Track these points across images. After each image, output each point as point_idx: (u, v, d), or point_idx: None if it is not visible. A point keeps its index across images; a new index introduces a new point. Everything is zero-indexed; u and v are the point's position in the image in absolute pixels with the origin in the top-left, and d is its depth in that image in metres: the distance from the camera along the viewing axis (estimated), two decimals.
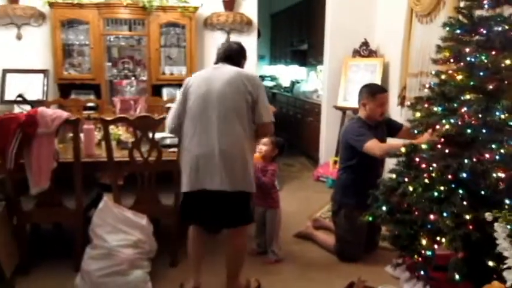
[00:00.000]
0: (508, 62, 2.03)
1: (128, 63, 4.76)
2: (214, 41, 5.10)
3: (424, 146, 2.29)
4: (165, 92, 4.84)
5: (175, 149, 2.88)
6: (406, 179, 2.34)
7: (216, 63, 2.52)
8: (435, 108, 2.33)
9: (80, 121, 2.64)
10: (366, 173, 2.88)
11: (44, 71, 4.72)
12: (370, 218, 2.44)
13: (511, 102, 1.96)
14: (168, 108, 4.22)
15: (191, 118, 2.36)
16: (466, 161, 2.05)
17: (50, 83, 4.73)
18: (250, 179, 2.36)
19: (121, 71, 4.76)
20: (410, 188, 2.25)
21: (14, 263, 2.70)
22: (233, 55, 2.51)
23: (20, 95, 3.91)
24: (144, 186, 2.77)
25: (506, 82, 2.09)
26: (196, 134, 2.33)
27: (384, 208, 2.41)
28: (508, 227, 0.85)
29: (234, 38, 5.12)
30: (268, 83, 9.13)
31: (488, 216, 0.93)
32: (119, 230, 2.56)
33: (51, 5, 4.44)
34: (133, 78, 4.75)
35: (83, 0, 4.43)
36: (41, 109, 2.57)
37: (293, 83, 8.05)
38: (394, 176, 2.46)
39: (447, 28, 2.39)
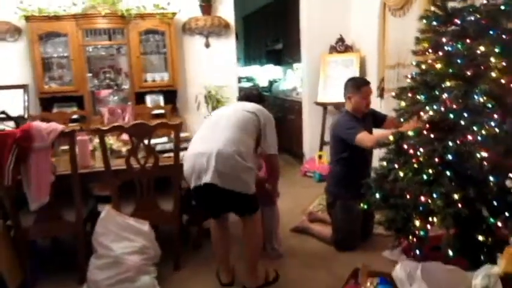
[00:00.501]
0: (482, 48, 2.15)
1: (109, 73, 4.76)
2: (194, 45, 5.18)
3: (410, 133, 2.40)
4: (149, 99, 4.86)
5: (170, 154, 2.93)
6: (396, 166, 2.44)
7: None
8: (419, 97, 2.44)
9: (75, 133, 2.65)
10: (357, 164, 3.00)
11: (23, 86, 4.68)
12: (366, 206, 2.53)
13: (488, 86, 2.09)
14: (156, 115, 4.30)
15: (201, 128, 2.69)
16: (450, 144, 2.16)
17: (31, 98, 4.69)
18: (246, 182, 2.47)
19: (103, 81, 4.75)
20: (401, 174, 2.36)
21: (18, 280, 2.70)
22: (251, 97, 2.93)
23: (2, 112, 3.89)
24: (143, 193, 2.81)
25: (482, 67, 2.21)
26: (201, 137, 2.60)
27: (378, 195, 2.50)
28: None
29: (213, 41, 5.20)
30: (245, 84, 9.21)
31: (508, 183, 1.03)
32: (122, 237, 2.60)
33: (27, 18, 4.40)
34: (115, 87, 4.74)
35: (59, 13, 4.41)
36: (36, 123, 2.58)
37: (271, 83, 8.15)
38: (385, 163, 2.56)
39: (424, 20, 2.51)
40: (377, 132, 3.21)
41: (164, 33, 4.75)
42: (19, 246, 2.77)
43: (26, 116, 4.62)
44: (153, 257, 2.69)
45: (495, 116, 1.97)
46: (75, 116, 4.31)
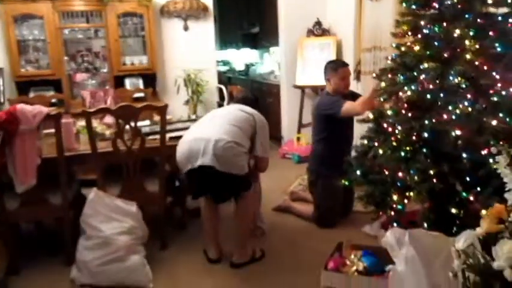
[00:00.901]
0: (458, 31, 2.26)
1: (86, 56, 4.71)
2: (172, 28, 5.16)
3: (389, 112, 2.52)
4: (128, 83, 4.84)
5: (155, 136, 2.97)
6: (376, 143, 2.56)
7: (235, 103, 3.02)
8: (398, 78, 2.55)
9: (61, 115, 2.65)
10: (338, 143, 3.12)
11: None
12: (347, 183, 2.64)
13: (463, 68, 2.20)
14: (136, 98, 4.30)
15: (197, 122, 2.87)
16: (426, 122, 2.28)
17: (6, 82, 4.59)
18: (242, 165, 2.61)
19: (80, 64, 4.70)
20: (380, 151, 2.47)
21: (4, 264, 2.70)
22: (247, 101, 3.00)
23: None
24: (129, 175, 2.84)
25: (458, 50, 2.33)
26: (197, 127, 2.76)
27: (358, 172, 2.61)
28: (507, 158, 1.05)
29: (191, 24, 5.19)
30: (221, 68, 9.20)
31: (493, 149, 1.13)
32: (111, 218, 2.64)
33: (1, 0, 4.29)
34: (94, 70, 4.70)
35: None
36: (21, 106, 2.56)
37: (248, 66, 8.18)
38: (365, 141, 2.67)
39: (403, 4, 2.60)
40: None
41: (142, 16, 4.72)
42: (5, 231, 2.76)
43: (2, 100, 4.54)
44: (142, 237, 2.74)
45: (468, 95, 2.08)
46: (53, 100, 4.26)
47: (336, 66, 3.29)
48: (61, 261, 2.83)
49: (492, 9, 2.32)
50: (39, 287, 2.62)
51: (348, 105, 3.01)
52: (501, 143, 1.89)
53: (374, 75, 2.74)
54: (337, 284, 2.14)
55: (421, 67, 2.39)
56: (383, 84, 2.65)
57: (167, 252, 2.99)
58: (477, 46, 2.09)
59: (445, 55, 2.33)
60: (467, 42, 2.11)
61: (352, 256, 2.28)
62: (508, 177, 1.12)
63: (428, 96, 2.34)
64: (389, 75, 2.62)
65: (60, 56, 4.53)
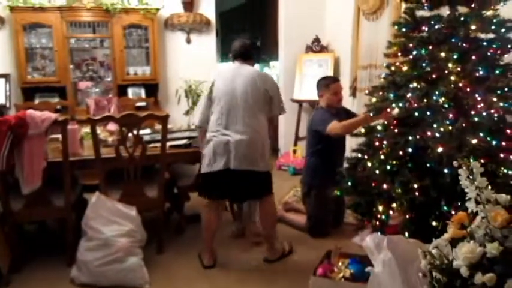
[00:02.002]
0: (443, 54, 2.41)
1: (91, 65, 4.86)
2: (175, 40, 5.32)
3: (379, 127, 2.67)
4: (131, 92, 4.99)
5: (156, 144, 3.10)
6: (366, 156, 2.70)
7: (235, 59, 2.92)
8: (388, 95, 2.70)
9: (68, 121, 2.78)
10: (331, 156, 3.26)
11: (5, 76, 4.72)
12: (338, 193, 2.77)
13: (446, 88, 2.33)
14: (139, 107, 4.44)
15: (220, 113, 2.77)
16: (410, 138, 2.43)
17: (12, 87, 4.74)
18: (267, 161, 2.83)
19: (85, 72, 4.85)
20: (369, 164, 2.61)
21: (7, 262, 2.82)
22: (248, 50, 2.95)
23: None
24: (130, 180, 2.96)
25: (444, 71, 2.47)
26: (226, 126, 2.76)
27: (349, 183, 2.75)
28: (467, 170, 1.16)
29: (194, 37, 5.36)
30: None
31: (455, 163, 1.24)
32: (112, 221, 2.75)
33: (11, 9, 4.45)
34: (98, 79, 4.85)
35: (44, 4, 4.48)
36: (30, 111, 2.70)
37: None
38: (356, 154, 2.81)
39: (396, 26, 2.76)
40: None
41: (147, 28, 4.89)
42: (8, 230, 2.88)
43: (7, 105, 4.68)
44: (140, 240, 2.85)
45: (450, 115, 2.22)
46: (57, 107, 4.40)
47: (328, 83, 3.44)
48: (62, 262, 2.93)
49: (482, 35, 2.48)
50: (40, 285, 2.72)
51: (331, 126, 3.15)
52: (482, 160, 2.04)
53: (366, 91, 2.88)
54: None
55: (410, 86, 2.54)
56: (373, 100, 2.78)
57: (164, 256, 3.10)
58: (459, 69, 2.24)
59: (431, 76, 2.47)
60: (450, 64, 2.25)
61: (340, 263, 2.40)
62: (468, 188, 1.25)
63: (416, 114, 2.48)
64: (380, 92, 2.76)
65: (66, 64, 4.69)
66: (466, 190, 1.26)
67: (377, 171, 2.53)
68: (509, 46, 2.40)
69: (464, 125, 2.14)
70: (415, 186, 2.27)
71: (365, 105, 2.82)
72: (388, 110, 2.56)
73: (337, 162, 3.12)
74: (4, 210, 2.84)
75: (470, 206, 1.25)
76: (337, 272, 2.33)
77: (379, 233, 2.46)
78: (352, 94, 4.89)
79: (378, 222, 2.44)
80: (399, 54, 2.73)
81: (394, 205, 2.33)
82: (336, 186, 2.83)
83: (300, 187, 3.64)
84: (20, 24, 4.50)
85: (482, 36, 2.50)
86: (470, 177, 1.23)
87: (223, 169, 2.73)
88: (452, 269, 1.12)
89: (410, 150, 2.35)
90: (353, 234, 3.28)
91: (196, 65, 5.33)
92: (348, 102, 4.90)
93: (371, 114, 2.77)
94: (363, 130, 2.75)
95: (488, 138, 2.21)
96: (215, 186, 2.83)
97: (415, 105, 2.40)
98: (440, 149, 2.20)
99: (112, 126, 3.49)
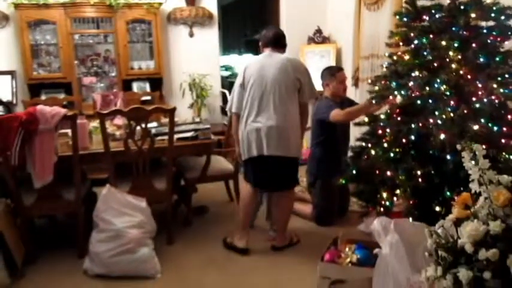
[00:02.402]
0: (443, 43, 2.44)
1: (96, 60, 4.91)
2: (178, 34, 5.36)
3: (382, 116, 2.71)
4: (135, 86, 5.03)
5: (163, 137, 3.15)
6: (370, 145, 2.74)
7: (266, 47, 3.02)
8: (390, 84, 2.73)
9: (77, 116, 2.84)
10: (335, 146, 3.31)
11: (11, 72, 4.78)
12: (344, 181, 2.82)
13: (447, 76, 2.36)
14: (144, 101, 4.49)
15: (252, 100, 2.86)
16: (413, 125, 2.47)
17: (19, 84, 4.80)
18: (299, 147, 2.97)
19: (90, 68, 4.90)
20: (373, 152, 2.65)
21: (21, 255, 2.89)
22: (281, 39, 3.04)
23: None
24: (138, 173, 3.03)
25: (446, 60, 2.50)
26: (258, 114, 2.85)
27: (354, 171, 2.79)
28: (470, 153, 1.22)
29: (197, 31, 5.39)
30: (224, 73, 9.39)
31: (458, 147, 1.29)
32: (123, 213, 2.82)
33: (16, 6, 4.49)
34: (103, 74, 4.90)
35: (48, 1, 4.52)
36: (40, 106, 2.75)
37: None
38: (360, 143, 2.86)
39: (397, 16, 2.79)
40: None
41: (150, 22, 4.93)
42: (21, 224, 2.95)
43: (14, 101, 4.74)
44: (150, 231, 2.92)
45: (451, 102, 2.26)
46: (64, 103, 4.45)
47: (333, 72, 3.50)
48: (73, 254, 3.00)
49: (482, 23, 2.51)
50: (54, 276, 2.80)
51: (334, 112, 3.21)
52: (483, 146, 2.08)
53: (369, 81, 2.92)
54: (332, 274, 2.31)
55: (412, 75, 2.58)
56: (376, 88, 2.81)
57: (174, 247, 3.17)
58: (459, 57, 2.27)
59: (433, 64, 2.50)
60: (450, 53, 2.29)
61: (347, 249, 2.45)
62: (471, 170, 1.30)
63: (419, 102, 2.52)
64: (383, 82, 2.80)
65: (71, 60, 4.73)
66: (469, 172, 1.31)
67: (381, 159, 2.57)
68: (509, 33, 2.43)
69: (465, 111, 2.18)
70: (418, 173, 2.31)
71: (368, 92, 2.86)
72: (391, 97, 2.60)
73: (342, 152, 3.18)
74: (16, 204, 2.91)
75: (474, 187, 1.30)
76: (344, 258, 2.39)
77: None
78: (355, 84, 4.92)
79: (382, 209, 2.49)
80: (401, 43, 2.76)
81: (397, 192, 2.38)
82: (341, 175, 2.88)
83: (306, 177, 3.69)
84: (24, 21, 4.55)
85: (483, 24, 2.53)
86: (473, 159, 1.28)
87: (257, 156, 2.85)
88: (457, 247, 1.18)
89: (413, 137, 2.40)
90: (358, 222, 3.32)
91: (199, 59, 5.37)
92: (350, 92, 4.93)
93: (374, 102, 2.80)
94: (366, 119, 2.79)
95: (490, 125, 2.25)
96: (253, 172, 2.96)
97: (417, 93, 2.43)
98: (442, 136, 2.24)
99: (119, 121, 3.54)
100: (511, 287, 1.07)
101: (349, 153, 2.87)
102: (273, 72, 2.85)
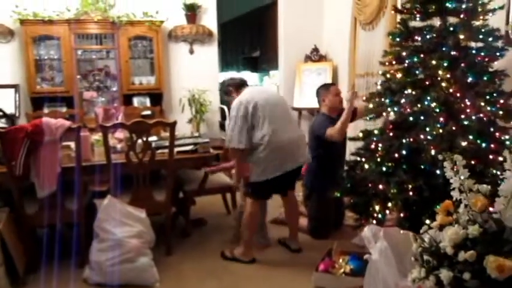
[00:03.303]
0: (434, 62, 2.57)
1: (98, 75, 5.03)
2: (179, 51, 5.51)
3: (375, 132, 2.82)
4: (136, 101, 5.15)
5: (164, 150, 3.24)
6: (364, 159, 2.85)
7: (243, 87, 3.27)
8: (384, 101, 2.85)
9: (81, 128, 2.93)
10: (331, 160, 3.41)
11: (14, 86, 4.89)
12: (339, 194, 2.92)
13: (437, 94, 2.47)
14: (144, 115, 4.58)
15: (268, 126, 2.97)
16: (404, 141, 2.58)
17: (22, 97, 4.90)
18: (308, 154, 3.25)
19: (92, 83, 5.02)
20: (366, 166, 2.76)
21: (23, 263, 2.95)
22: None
23: None
24: (139, 185, 3.11)
25: (437, 78, 2.62)
26: (278, 133, 2.99)
27: (348, 184, 2.89)
28: (450, 163, 1.31)
29: (197, 48, 5.54)
30: None
31: (440, 156, 1.39)
32: (123, 223, 2.88)
33: (22, 22, 4.63)
34: (105, 89, 5.02)
35: (53, 17, 4.66)
36: (46, 119, 2.85)
37: None
38: (355, 157, 2.96)
39: (390, 36, 2.93)
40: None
41: (152, 39, 5.07)
42: (24, 233, 3.01)
43: (17, 114, 4.84)
44: (149, 241, 2.99)
45: (441, 119, 2.37)
46: (66, 116, 4.55)
47: (327, 86, 3.67)
48: (73, 263, 3.05)
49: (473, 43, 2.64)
50: (55, 285, 2.85)
51: (328, 131, 3.33)
52: (472, 162, 2.19)
53: (364, 98, 3.04)
54: (326, 283, 2.40)
55: (405, 92, 2.70)
56: (371, 105, 2.93)
57: (172, 257, 3.23)
58: (448, 75, 2.39)
59: (424, 82, 2.63)
60: (440, 71, 2.41)
61: (341, 260, 2.54)
62: (452, 179, 1.40)
63: (411, 118, 2.64)
64: (377, 98, 2.91)
65: (73, 75, 4.86)
66: (451, 180, 1.41)
67: (373, 173, 2.67)
68: (497, 54, 2.56)
69: (454, 128, 2.29)
70: (409, 186, 2.41)
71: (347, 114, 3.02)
72: (384, 114, 2.71)
73: (338, 166, 3.27)
74: (19, 213, 2.98)
75: (455, 194, 1.40)
76: (338, 268, 2.47)
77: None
78: None
79: (374, 221, 2.58)
80: (393, 62, 2.89)
81: (389, 204, 2.47)
82: (336, 188, 2.97)
83: (302, 190, 3.78)
84: (29, 37, 4.68)
85: (473, 44, 2.67)
86: (454, 169, 1.38)
87: (290, 170, 3.02)
88: (440, 251, 1.27)
89: (404, 152, 2.50)
90: (353, 235, 3.40)
91: (199, 75, 5.50)
92: (342, 105, 5.05)
93: (368, 118, 2.92)
94: (361, 134, 2.90)
95: (479, 141, 2.36)
96: (270, 189, 3.14)
97: (408, 110, 2.55)
98: (433, 151, 2.34)
99: (120, 134, 3.63)
100: (489, 286, 1.16)
101: (345, 167, 2.97)
102: (274, 100, 3.12)
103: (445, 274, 1.21)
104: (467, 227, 1.27)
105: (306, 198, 3.64)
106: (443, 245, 1.27)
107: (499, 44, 2.60)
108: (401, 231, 1.82)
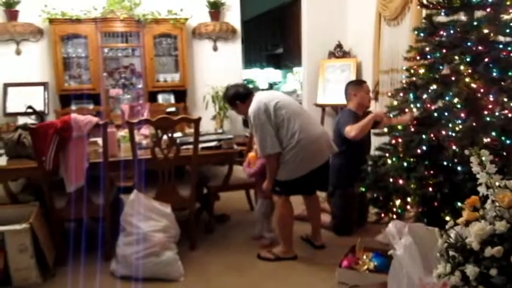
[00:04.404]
0: (456, 58, 2.52)
1: (124, 73, 5.12)
2: (203, 48, 5.56)
3: (399, 127, 2.79)
4: (160, 98, 5.23)
5: (188, 146, 3.29)
6: (387, 154, 2.82)
7: (251, 96, 3.17)
8: (408, 97, 2.81)
9: (108, 124, 3.00)
10: (355, 157, 3.37)
11: (44, 84, 5.02)
12: (363, 189, 2.90)
13: (459, 89, 2.41)
14: (169, 112, 4.65)
15: (294, 126, 2.98)
16: (424, 136, 2.55)
17: (50, 95, 5.04)
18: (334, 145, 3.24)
19: (118, 80, 5.12)
20: (389, 161, 2.74)
21: (53, 256, 3.04)
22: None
23: (29, 107, 4.23)
24: (164, 180, 3.16)
25: (460, 73, 2.57)
26: (302, 131, 2.98)
27: (371, 179, 2.87)
28: (477, 158, 1.30)
29: (220, 45, 5.59)
30: None
31: (466, 151, 1.38)
32: (149, 217, 2.94)
33: (51, 21, 4.76)
34: (130, 86, 5.12)
35: (81, 16, 4.77)
36: (74, 115, 2.93)
37: (271, 85, 8.56)
38: (380, 152, 2.94)
39: (415, 32, 2.89)
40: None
41: (176, 37, 5.14)
42: (54, 227, 3.10)
43: (46, 111, 4.97)
44: (174, 236, 3.03)
45: (462, 114, 2.33)
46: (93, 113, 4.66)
47: (359, 83, 3.67)
48: (100, 256, 3.12)
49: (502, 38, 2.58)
50: (83, 277, 2.93)
51: (348, 128, 3.31)
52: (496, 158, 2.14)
53: (389, 94, 3.01)
54: (349, 280, 2.40)
55: (429, 88, 2.66)
56: (395, 102, 2.90)
57: (196, 252, 3.28)
58: (469, 71, 2.35)
59: (448, 78, 2.58)
60: (462, 67, 2.37)
61: (364, 257, 2.53)
62: (479, 174, 1.38)
63: (435, 114, 2.60)
64: (401, 94, 2.88)
65: (100, 72, 4.97)
66: (477, 176, 1.39)
67: (394, 168, 2.66)
68: None
69: (474, 124, 2.25)
70: (429, 182, 2.38)
71: (385, 107, 2.95)
72: (407, 110, 2.69)
73: (361, 162, 3.25)
74: (49, 207, 3.07)
75: (482, 190, 1.38)
76: (362, 264, 2.47)
77: None
78: (375, 98, 4.99)
79: (394, 216, 2.56)
80: (417, 58, 2.85)
81: (408, 199, 2.45)
82: (360, 184, 2.96)
83: None
84: (58, 35, 4.81)
85: (501, 39, 2.60)
86: (481, 164, 1.37)
87: (323, 162, 3.07)
88: (466, 247, 1.26)
89: (424, 148, 2.47)
90: (377, 233, 3.38)
91: (222, 72, 5.53)
92: (371, 105, 5.01)
93: (391, 115, 2.90)
94: (386, 129, 2.88)
95: (503, 138, 2.30)
96: (301, 186, 3.11)
97: (430, 106, 2.52)
98: (453, 147, 2.31)
99: (146, 131, 3.70)
100: None
101: (369, 162, 2.95)
102: (285, 99, 3.14)
103: (470, 270, 1.19)
104: (494, 223, 1.25)
105: (330, 195, 3.63)
106: (469, 240, 1.26)
107: None
108: (427, 227, 1.80)
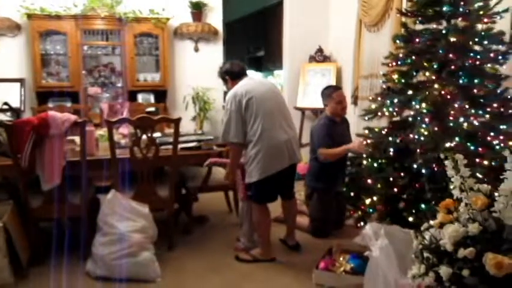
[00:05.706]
0: (425, 64, 2.60)
1: (103, 71, 5.06)
2: (184, 49, 5.54)
3: (376, 129, 2.85)
4: (140, 97, 5.18)
5: (167, 147, 3.27)
6: (364, 155, 2.88)
7: (241, 76, 3.18)
8: (385, 101, 2.87)
9: (86, 123, 2.96)
10: (332, 161, 3.42)
11: (20, 80, 4.92)
12: (344, 188, 2.94)
13: (425, 95, 2.49)
14: (149, 112, 4.61)
15: (262, 122, 2.94)
16: (390, 139, 2.63)
17: (27, 92, 4.94)
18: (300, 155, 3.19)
19: (97, 78, 5.05)
20: (364, 162, 2.82)
21: (27, 255, 2.97)
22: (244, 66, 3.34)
23: (5, 103, 4.14)
24: (143, 180, 3.13)
25: (428, 80, 2.64)
26: (270, 131, 2.95)
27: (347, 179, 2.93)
28: (452, 162, 1.34)
29: (202, 46, 5.57)
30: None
31: (441, 154, 1.41)
32: (126, 217, 2.91)
33: (29, 16, 4.67)
34: (110, 85, 5.05)
35: (60, 12, 4.69)
36: (52, 113, 2.88)
37: None
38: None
39: (395, 39, 2.95)
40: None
41: (157, 36, 5.10)
42: (28, 226, 3.04)
43: (22, 108, 4.87)
44: (152, 236, 3.01)
45: (426, 119, 2.40)
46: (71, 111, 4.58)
47: (330, 92, 3.60)
48: (76, 256, 3.07)
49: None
50: (57, 277, 2.87)
51: (322, 151, 3.38)
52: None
53: (370, 98, 3.06)
54: (326, 281, 2.42)
55: (403, 93, 2.73)
56: (373, 106, 2.96)
57: (174, 253, 3.25)
58: (433, 77, 2.42)
59: (418, 84, 2.66)
60: (427, 73, 2.44)
61: (341, 258, 2.56)
62: (453, 177, 1.42)
63: (410, 119, 2.67)
64: (380, 98, 2.94)
65: (79, 70, 4.89)
66: (452, 179, 1.43)
67: (367, 169, 2.72)
68: (491, 56, 2.56)
69: (436, 129, 2.33)
70: (395, 183, 2.45)
71: (363, 110, 3.01)
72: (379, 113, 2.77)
73: (339, 166, 3.29)
74: (24, 206, 3.01)
75: (455, 193, 1.42)
76: (338, 266, 2.50)
77: (362, 223, 2.67)
78: (354, 102, 5.06)
79: (360, 213, 2.62)
80: (393, 63, 2.91)
81: (374, 198, 2.51)
82: (339, 187, 3.01)
83: (304, 190, 3.80)
84: (36, 31, 4.72)
85: (476, 48, 2.67)
86: (455, 168, 1.40)
87: (279, 170, 2.97)
88: (440, 249, 1.29)
89: (392, 150, 2.54)
90: (354, 235, 3.42)
91: (203, 73, 5.51)
92: (349, 109, 5.07)
93: (366, 118, 2.97)
94: (366, 131, 2.93)
95: (468, 144, 2.37)
96: (272, 189, 3.08)
97: (398, 110, 2.60)
98: (418, 151, 2.37)
99: (124, 130, 3.66)
100: (487, 283, 1.18)
101: (347, 162, 3.02)
102: (269, 95, 3.06)
103: (444, 270, 1.23)
104: (467, 225, 1.29)
105: (308, 197, 3.66)
106: (443, 242, 1.30)
107: (504, 47, 2.60)
108: (403, 230, 1.84)
